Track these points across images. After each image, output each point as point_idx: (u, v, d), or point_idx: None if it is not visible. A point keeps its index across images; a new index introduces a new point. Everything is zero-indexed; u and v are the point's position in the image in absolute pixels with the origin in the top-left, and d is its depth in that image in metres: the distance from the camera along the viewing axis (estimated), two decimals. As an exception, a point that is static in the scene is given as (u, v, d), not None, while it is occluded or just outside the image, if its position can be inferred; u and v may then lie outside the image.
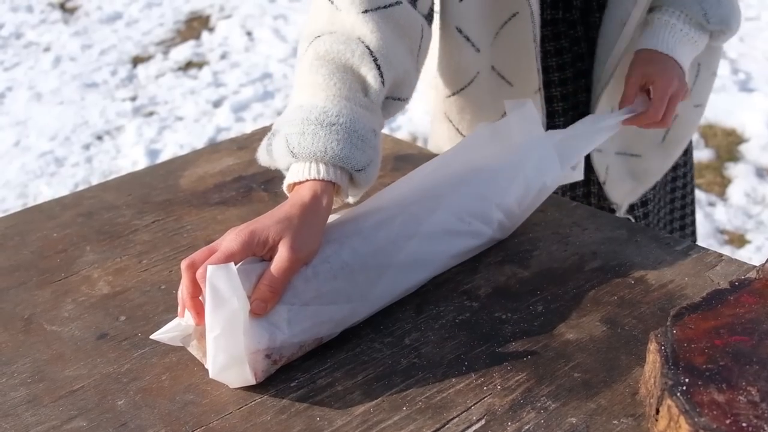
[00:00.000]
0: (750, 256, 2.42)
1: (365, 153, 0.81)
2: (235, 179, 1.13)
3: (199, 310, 0.72)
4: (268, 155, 0.85)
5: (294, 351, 0.75)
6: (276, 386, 0.74)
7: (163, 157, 3.30)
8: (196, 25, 4.77)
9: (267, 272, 0.73)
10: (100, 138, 3.54)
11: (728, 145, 3.03)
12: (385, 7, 0.86)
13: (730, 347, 0.66)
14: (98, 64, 4.34)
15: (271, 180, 1.11)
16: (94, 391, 0.74)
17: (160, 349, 0.79)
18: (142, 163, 3.23)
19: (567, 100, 1.16)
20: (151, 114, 3.71)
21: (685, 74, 1.04)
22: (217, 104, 3.75)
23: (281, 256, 0.73)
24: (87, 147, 3.46)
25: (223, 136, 3.43)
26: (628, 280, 0.87)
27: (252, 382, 0.73)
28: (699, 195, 2.74)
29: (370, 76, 0.84)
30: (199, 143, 3.36)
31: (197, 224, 1.02)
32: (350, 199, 0.89)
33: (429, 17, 0.96)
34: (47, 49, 4.61)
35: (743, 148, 3.00)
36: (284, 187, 0.82)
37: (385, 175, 1.12)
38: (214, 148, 1.25)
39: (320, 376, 0.75)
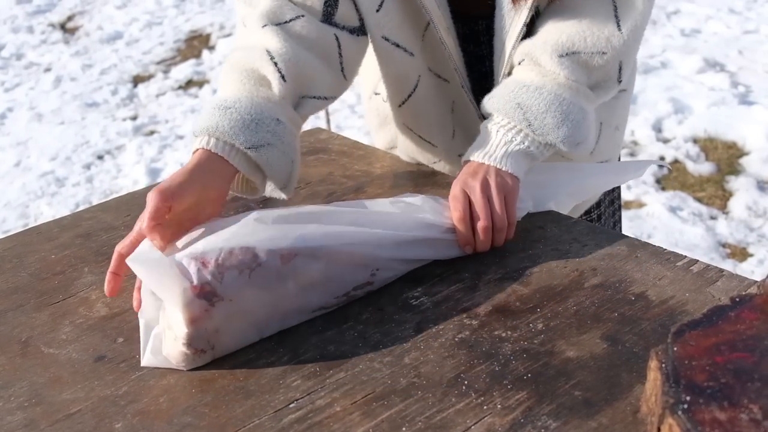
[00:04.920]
0: (752, 269, 2.41)
1: (257, 134, 0.91)
2: (234, 199, 1.12)
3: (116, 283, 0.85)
4: None
5: (225, 256, 0.79)
6: (275, 407, 0.73)
7: (164, 176, 3.30)
8: (196, 43, 4.79)
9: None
10: (101, 157, 3.55)
11: (729, 158, 3.03)
12: (285, 22, 1.00)
13: (732, 364, 0.65)
14: (99, 83, 4.36)
15: (269, 199, 1.11)
16: (91, 415, 0.74)
17: (157, 371, 0.79)
18: (143, 182, 3.24)
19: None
20: (151, 133, 3.72)
21: (509, 174, 0.97)
22: (217, 123, 3.75)
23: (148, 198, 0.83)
24: (88, 167, 3.46)
25: (224, 155, 3.43)
26: (629, 296, 0.86)
27: (184, 282, 0.77)
28: (700, 209, 2.74)
29: (269, 72, 0.96)
30: (200, 162, 3.36)
31: (196, 244, 1.02)
32: (284, 195, 0.98)
33: (352, 30, 1.04)
34: (48, 70, 4.63)
35: (744, 161, 3.00)
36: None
37: (384, 192, 1.12)
38: (212, 167, 1.25)
39: (319, 397, 0.74)
